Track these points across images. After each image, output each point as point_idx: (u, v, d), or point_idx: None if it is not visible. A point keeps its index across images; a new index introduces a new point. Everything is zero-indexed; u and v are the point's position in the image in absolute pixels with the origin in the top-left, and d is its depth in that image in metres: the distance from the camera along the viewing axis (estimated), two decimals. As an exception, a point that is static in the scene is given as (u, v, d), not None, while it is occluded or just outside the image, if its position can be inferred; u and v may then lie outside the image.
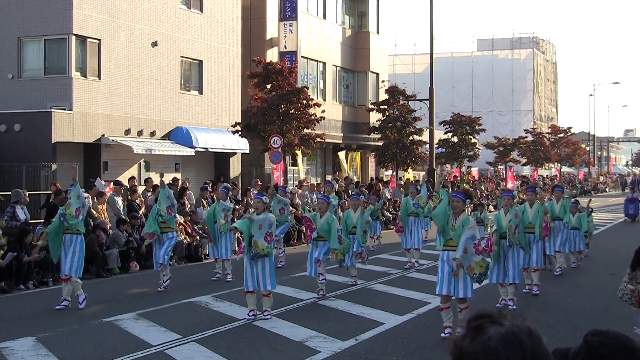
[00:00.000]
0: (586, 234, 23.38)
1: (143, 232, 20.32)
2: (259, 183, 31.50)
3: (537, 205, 17.97)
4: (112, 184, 25.84)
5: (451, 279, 12.75)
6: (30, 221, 21.15)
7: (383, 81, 51.31)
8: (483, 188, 53.24)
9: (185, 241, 23.68)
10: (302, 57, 44.07)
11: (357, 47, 51.13)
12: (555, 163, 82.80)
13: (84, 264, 16.16)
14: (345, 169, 48.55)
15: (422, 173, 54.38)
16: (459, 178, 52.82)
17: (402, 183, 42.56)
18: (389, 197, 39.22)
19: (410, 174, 50.89)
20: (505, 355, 2.28)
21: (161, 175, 23.04)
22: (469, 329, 2.39)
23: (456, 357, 2.38)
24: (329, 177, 45.15)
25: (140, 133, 33.02)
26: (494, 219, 16.12)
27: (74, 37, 30.42)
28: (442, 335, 12.59)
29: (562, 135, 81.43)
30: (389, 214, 36.01)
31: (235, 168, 39.37)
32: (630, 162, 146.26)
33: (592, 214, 25.11)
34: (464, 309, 12.80)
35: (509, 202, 16.42)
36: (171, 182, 26.47)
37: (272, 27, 43.00)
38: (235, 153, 38.87)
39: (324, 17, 47.84)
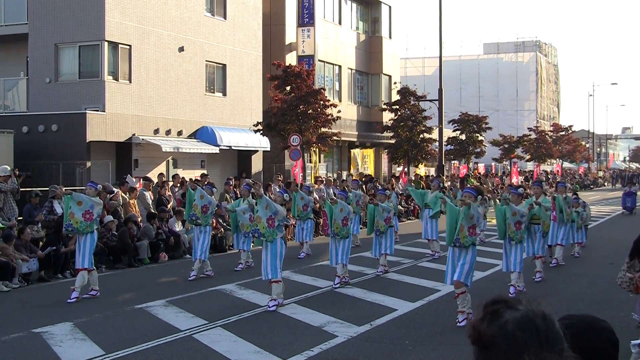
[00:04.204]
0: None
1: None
2: (279, 178, 31.52)
3: (542, 198, 18.00)
4: (141, 180, 25.89)
5: (455, 270, 12.78)
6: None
7: (395, 83, 51.18)
8: (490, 183, 53.05)
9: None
10: (319, 60, 44.02)
11: (370, 51, 51.04)
12: (557, 159, 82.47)
13: (93, 254, 15.76)
14: (357, 166, 48.51)
15: (432, 169, 54.29)
16: (468, 174, 52.64)
17: (413, 178, 42.45)
18: (400, 191, 39.14)
19: (421, 170, 50.86)
20: (522, 338, 2.29)
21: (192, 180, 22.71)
22: (486, 314, 2.40)
23: (474, 340, 2.38)
24: (344, 173, 45.14)
25: (168, 132, 33.09)
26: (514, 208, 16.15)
27: (106, 43, 30.50)
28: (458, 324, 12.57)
29: (563, 133, 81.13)
30: (401, 208, 35.94)
31: (257, 165, 39.40)
32: (627, 158, 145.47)
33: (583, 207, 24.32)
34: (460, 294, 12.72)
35: (539, 191, 17.09)
36: (199, 177, 26.44)
37: (291, 32, 42.98)
38: (257, 151, 38.89)
39: (340, 23, 47.76)
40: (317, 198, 27.80)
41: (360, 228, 25.86)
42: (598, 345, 2.90)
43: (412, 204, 36.74)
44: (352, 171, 46.95)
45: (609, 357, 2.94)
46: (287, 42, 42.64)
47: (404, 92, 45.79)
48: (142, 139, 31.27)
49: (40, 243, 19.29)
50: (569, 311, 2.79)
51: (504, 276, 16.22)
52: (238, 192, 22.74)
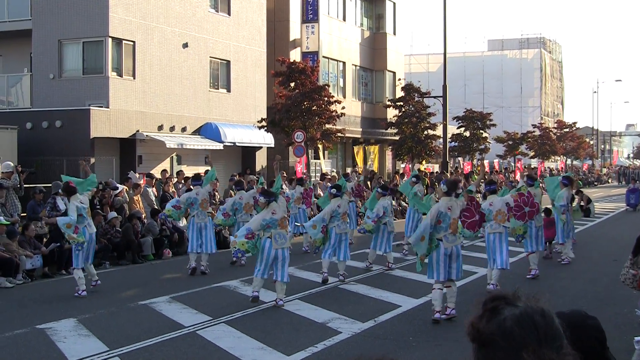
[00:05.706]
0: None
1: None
2: (285, 174, 31.53)
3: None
4: (144, 176, 25.88)
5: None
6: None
7: (399, 79, 51.11)
8: (494, 179, 52.97)
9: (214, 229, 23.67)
10: (324, 57, 43.99)
11: (375, 47, 51.01)
12: (561, 156, 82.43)
13: (95, 252, 15.88)
14: (358, 163, 48.52)
15: (436, 165, 54.29)
16: (472, 171, 52.60)
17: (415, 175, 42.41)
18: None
19: (424, 166, 50.80)
20: (520, 335, 2.29)
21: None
22: (486, 310, 2.39)
23: (473, 337, 2.38)
24: (348, 169, 45.15)
25: (172, 129, 33.11)
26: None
27: (110, 39, 30.51)
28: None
29: (567, 129, 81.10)
30: (405, 204, 35.89)
31: (261, 161, 39.41)
32: (631, 155, 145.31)
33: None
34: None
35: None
36: (202, 174, 26.42)
37: (295, 29, 42.96)
38: (261, 147, 38.91)
39: (344, 19, 47.74)
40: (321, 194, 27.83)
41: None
42: (585, 342, 2.91)
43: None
44: (357, 167, 46.92)
45: (595, 354, 2.95)
46: (291, 39, 42.63)
47: (408, 88, 45.79)
48: (146, 135, 31.30)
49: (44, 239, 19.31)
50: (572, 308, 2.82)
51: (504, 274, 16.09)
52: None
